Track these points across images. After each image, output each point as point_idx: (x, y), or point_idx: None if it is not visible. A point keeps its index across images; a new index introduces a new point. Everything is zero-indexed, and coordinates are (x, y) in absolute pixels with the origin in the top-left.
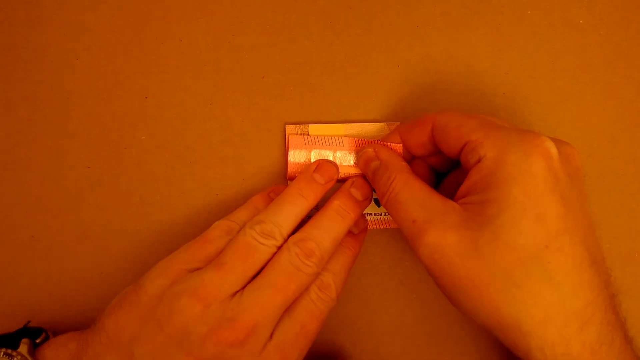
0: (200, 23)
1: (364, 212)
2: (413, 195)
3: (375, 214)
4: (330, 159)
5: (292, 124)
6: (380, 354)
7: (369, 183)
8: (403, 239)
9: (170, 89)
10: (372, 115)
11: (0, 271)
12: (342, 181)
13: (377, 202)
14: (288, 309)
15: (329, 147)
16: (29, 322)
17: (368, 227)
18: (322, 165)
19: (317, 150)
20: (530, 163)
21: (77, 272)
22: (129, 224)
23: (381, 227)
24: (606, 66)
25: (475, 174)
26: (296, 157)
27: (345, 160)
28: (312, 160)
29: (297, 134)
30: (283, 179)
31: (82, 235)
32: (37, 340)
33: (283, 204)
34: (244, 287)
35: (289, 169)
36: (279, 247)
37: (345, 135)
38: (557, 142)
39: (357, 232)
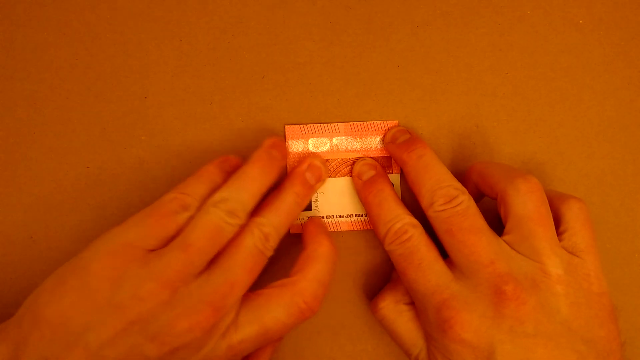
0: (200, 23)
1: (365, 213)
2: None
3: None
4: (328, 146)
5: (292, 124)
6: (380, 353)
7: (324, 167)
8: None
9: (170, 89)
10: (372, 115)
11: None
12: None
13: None
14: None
15: (325, 134)
16: None
17: (369, 228)
18: (276, 142)
19: (315, 138)
20: None
21: None
22: None
23: None
24: (606, 66)
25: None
26: (294, 147)
27: (343, 146)
28: (310, 149)
29: (293, 124)
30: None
31: (82, 235)
32: None
33: (246, 181)
34: (208, 267)
35: (288, 160)
36: (242, 226)
37: (340, 122)
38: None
39: (314, 183)
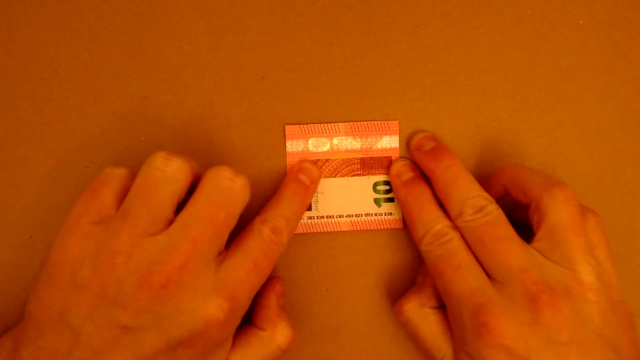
0: (200, 23)
1: (367, 212)
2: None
3: (375, 214)
4: (328, 146)
5: (292, 124)
6: (380, 353)
7: (315, 168)
8: (403, 239)
9: (170, 89)
10: (372, 115)
11: None
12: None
13: (378, 203)
14: (237, 247)
15: (325, 134)
16: None
17: (369, 228)
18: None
19: (315, 138)
20: None
21: None
22: None
23: (382, 227)
24: (606, 66)
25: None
26: (294, 147)
27: (343, 146)
28: (310, 148)
29: (293, 124)
30: (283, 178)
31: None
32: None
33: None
34: (171, 222)
35: (287, 160)
36: (192, 175)
37: (340, 122)
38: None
39: (309, 183)
